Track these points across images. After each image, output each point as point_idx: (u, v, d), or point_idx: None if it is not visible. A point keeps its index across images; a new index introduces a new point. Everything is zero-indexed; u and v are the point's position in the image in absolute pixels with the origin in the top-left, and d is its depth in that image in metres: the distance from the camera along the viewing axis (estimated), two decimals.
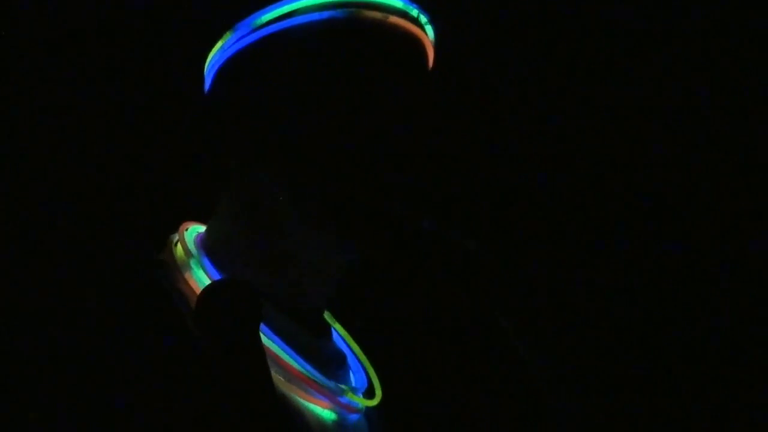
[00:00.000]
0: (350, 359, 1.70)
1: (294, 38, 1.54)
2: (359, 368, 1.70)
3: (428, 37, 1.61)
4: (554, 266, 2.32)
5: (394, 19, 1.56)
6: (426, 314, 2.00)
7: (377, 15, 1.55)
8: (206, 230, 1.63)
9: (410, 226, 1.52)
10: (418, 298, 2.05)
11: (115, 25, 1.93)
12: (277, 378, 1.51)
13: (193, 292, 1.53)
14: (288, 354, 1.53)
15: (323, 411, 1.56)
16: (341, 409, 1.58)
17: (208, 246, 1.60)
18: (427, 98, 1.56)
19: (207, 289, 1.44)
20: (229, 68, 1.58)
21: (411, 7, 1.59)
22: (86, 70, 1.94)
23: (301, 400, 1.55)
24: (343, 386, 1.59)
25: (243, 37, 1.56)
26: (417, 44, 1.58)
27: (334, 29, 1.54)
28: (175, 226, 1.65)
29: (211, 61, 1.61)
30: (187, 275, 1.55)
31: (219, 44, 1.58)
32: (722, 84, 2.45)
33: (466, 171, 2.34)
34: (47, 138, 1.89)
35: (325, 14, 1.54)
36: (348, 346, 1.73)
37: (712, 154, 2.45)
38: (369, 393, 1.67)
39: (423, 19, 1.60)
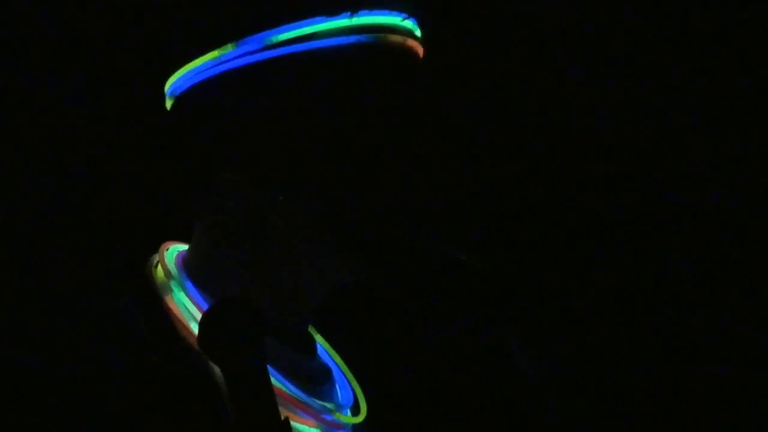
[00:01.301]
0: (336, 373, 1.70)
1: (319, 60, 1.52)
2: (345, 383, 1.70)
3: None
4: (552, 274, 2.32)
5: (410, 42, 1.56)
6: (411, 324, 1.99)
7: (399, 39, 1.55)
8: (188, 249, 1.62)
9: (415, 243, 1.52)
10: (404, 306, 2.05)
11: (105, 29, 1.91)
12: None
13: (175, 316, 1.52)
14: (272, 375, 1.52)
15: (309, 430, 1.56)
16: (327, 426, 1.58)
17: (189, 266, 1.58)
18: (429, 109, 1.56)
19: (209, 312, 1.43)
20: (230, 82, 1.53)
21: (416, 27, 1.58)
22: (79, 80, 1.92)
23: None
24: (327, 404, 1.58)
25: (252, 52, 1.52)
26: (420, 63, 1.58)
27: (361, 54, 1.52)
28: (155, 247, 1.64)
29: (195, 70, 1.56)
30: (167, 298, 1.54)
31: (215, 54, 1.54)
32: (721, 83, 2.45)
33: (469, 183, 2.35)
34: (27, 152, 1.87)
35: (353, 39, 1.52)
36: (332, 359, 1.72)
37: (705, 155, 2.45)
38: (355, 408, 1.67)
39: (419, 34, 1.60)
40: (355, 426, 1.64)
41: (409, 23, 1.57)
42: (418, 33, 1.58)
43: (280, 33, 1.52)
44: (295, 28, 1.52)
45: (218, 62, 1.53)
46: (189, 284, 1.55)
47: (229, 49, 1.52)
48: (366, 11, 1.54)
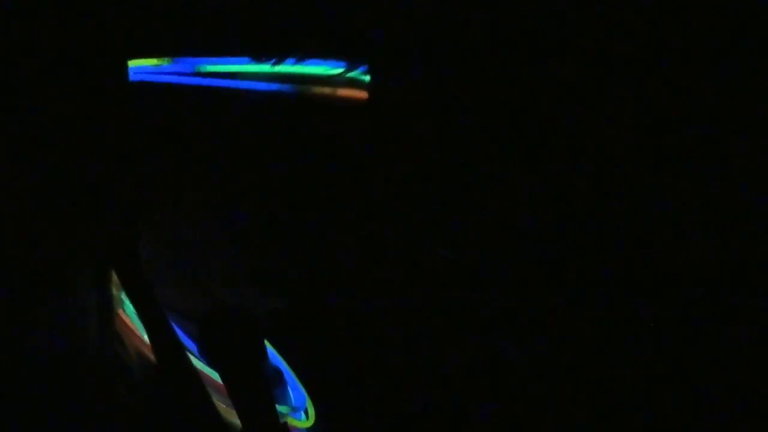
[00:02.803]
0: (287, 374, 1.71)
1: (240, 99, 1.53)
2: (296, 384, 1.71)
3: (370, 85, 1.60)
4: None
5: (342, 92, 1.55)
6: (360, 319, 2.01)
7: (326, 90, 1.54)
8: None
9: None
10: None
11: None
12: (221, 407, 1.52)
13: (129, 329, 1.52)
14: None
15: None
16: None
17: None
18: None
19: (208, 318, 1.44)
20: (163, 92, 1.55)
21: (359, 71, 1.57)
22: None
23: None
24: (281, 409, 1.59)
25: (185, 74, 1.53)
26: (361, 105, 1.58)
27: (280, 103, 1.54)
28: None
29: (135, 69, 1.56)
30: (120, 311, 1.54)
31: (154, 62, 1.54)
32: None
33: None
34: None
35: (274, 86, 1.53)
36: (281, 360, 1.74)
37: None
38: (309, 410, 1.68)
39: (367, 77, 1.59)
40: (308, 428, 1.65)
41: (352, 72, 1.57)
42: (365, 79, 1.57)
43: (208, 63, 1.53)
44: (221, 63, 1.53)
45: (157, 71, 1.54)
46: None
47: (165, 63, 1.54)
48: (293, 60, 1.54)
